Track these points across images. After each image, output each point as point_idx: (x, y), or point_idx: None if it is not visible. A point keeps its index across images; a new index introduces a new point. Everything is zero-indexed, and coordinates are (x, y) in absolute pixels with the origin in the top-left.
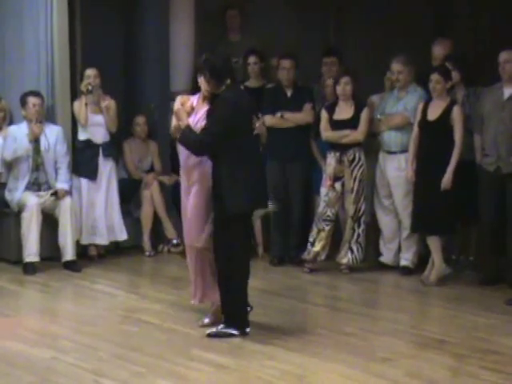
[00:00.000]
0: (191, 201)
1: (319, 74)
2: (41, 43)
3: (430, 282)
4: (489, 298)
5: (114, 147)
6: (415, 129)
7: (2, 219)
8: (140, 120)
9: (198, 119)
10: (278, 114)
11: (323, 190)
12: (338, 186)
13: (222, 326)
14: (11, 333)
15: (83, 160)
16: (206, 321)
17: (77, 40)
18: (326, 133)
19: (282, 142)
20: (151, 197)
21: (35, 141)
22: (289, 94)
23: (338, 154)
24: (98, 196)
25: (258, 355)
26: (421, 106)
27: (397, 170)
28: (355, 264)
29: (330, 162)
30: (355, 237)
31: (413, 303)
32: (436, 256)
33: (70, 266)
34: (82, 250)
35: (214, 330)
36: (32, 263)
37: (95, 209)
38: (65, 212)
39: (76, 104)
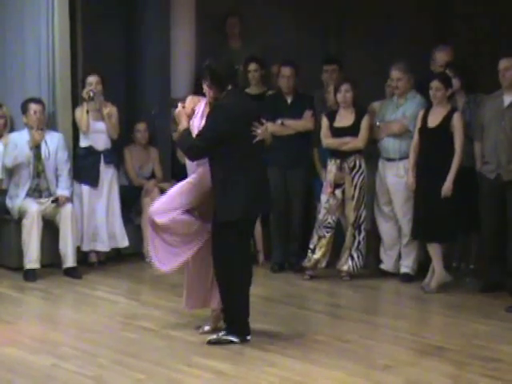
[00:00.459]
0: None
1: (320, 82)
2: (42, 50)
3: (431, 289)
4: (489, 305)
5: (116, 154)
6: (415, 136)
7: (3, 226)
8: (141, 127)
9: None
10: (279, 121)
11: (324, 197)
12: (338, 193)
13: (222, 333)
14: (11, 339)
15: (85, 167)
16: (207, 328)
17: (78, 46)
18: (327, 140)
19: (283, 149)
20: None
21: (36, 147)
22: (289, 101)
23: (338, 161)
24: (100, 203)
25: (258, 362)
26: (421, 114)
27: (396, 177)
28: (356, 271)
29: (331, 168)
30: (356, 244)
31: (413, 310)
32: (436, 263)
33: (70, 272)
34: (82, 257)
35: (214, 336)
36: (33, 270)
37: (96, 215)
38: (65, 219)
39: (78, 111)
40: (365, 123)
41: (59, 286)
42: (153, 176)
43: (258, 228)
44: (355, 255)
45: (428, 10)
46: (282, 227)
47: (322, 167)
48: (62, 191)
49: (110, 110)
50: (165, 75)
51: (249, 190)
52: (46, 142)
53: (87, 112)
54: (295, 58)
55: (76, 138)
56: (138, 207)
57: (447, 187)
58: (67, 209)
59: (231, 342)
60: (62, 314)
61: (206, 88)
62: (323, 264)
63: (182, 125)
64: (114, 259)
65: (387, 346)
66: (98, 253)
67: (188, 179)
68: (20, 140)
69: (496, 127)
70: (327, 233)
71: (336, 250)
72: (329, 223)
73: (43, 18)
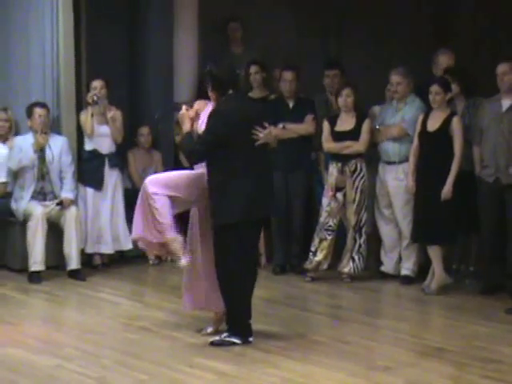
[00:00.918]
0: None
1: (321, 85)
2: (46, 54)
3: (431, 291)
4: (489, 307)
5: (120, 157)
6: (415, 140)
7: (8, 228)
8: (144, 130)
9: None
10: (280, 125)
11: (325, 200)
12: (339, 196)
13: (225, 334)
14: (16, 340)
15: (89, 170)
16: (209, 329)
17: (82, 51)
18: (328, 144)
19: (284, 152)
20: None
21: (40, 151)
22: (291, 105)
23: (339, 165)
24: (104, 205)
25: (260, 363)
26: (421, 118)
27: (396, 180)
28: (356, 273)
29: (332, 172)
30: (357, 247)
31: (413, 312)
32: (436, 265)
33: (74, 274)
34: (86, 259)
35: (217, 338)
36: (37, 272)
37: (101, 218)
38: (70, 221)
39: (82, 115)
40: (366, 127)
41: (63, 288)
42: None
43: None
44: (356, 257)
45: (428, 10)
46: (283, 229)
47: (325, 171)
48: (67, 194)
49: (114, 113)
50: (168, 79)
51: (249, 193)
52: (50, 146)
53: (92, 116)
54: (295, 58)
55: (81, 142)
56: None
57: (447, 190)
58: (71, 211)
59: (233, 343)
60: (66, 316)
61: (209, 93)
62: (324, 266)
63: (185, 127)
64: (118, 261)
65: (387, 347)
66: (102, 255)
67: (192, 171)
68: (25, 143)
69: (495, 131)
70: (328, 235)
71: (337, 252)
72: (330, 226)
73: (47, 22)
